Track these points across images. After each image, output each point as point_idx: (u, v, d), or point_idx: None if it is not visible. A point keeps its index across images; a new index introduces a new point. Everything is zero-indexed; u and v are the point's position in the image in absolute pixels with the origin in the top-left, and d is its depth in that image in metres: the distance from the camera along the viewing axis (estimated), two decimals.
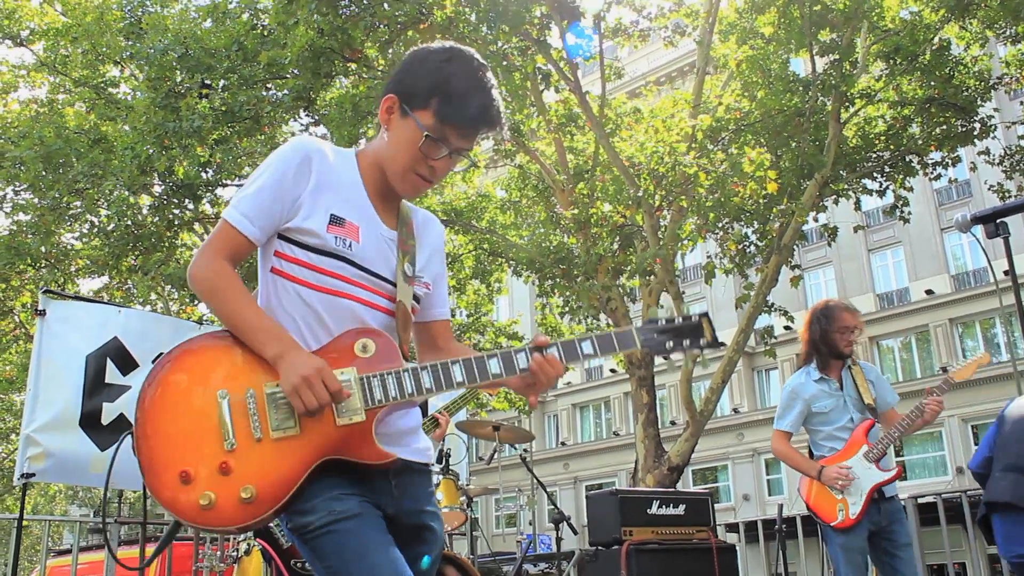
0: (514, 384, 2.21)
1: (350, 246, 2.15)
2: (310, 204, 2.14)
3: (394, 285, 2.23)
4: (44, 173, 14.61)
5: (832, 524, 4.76)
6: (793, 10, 13.42)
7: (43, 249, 15.70)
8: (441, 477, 5.43)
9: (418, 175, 2.21)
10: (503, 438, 6.01)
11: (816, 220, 15.96)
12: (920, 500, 8.51)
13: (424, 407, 7.32)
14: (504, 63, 14.60)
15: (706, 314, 2.36)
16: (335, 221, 2.15)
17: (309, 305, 2.13)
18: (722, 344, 2.48)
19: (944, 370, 24.81)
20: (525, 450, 30.54)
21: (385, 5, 13.63)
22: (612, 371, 32.91)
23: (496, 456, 6.21)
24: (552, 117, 15.49)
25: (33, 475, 5.92)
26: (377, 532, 2.05)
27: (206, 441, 1.94)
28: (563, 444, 35.88)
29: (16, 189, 16.16)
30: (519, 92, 15.28)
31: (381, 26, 13.92)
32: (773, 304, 14.79)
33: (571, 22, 12.90)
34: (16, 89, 17.42)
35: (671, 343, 2.29)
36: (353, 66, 14.43)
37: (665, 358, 2.33)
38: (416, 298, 2.31)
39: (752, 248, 15.01)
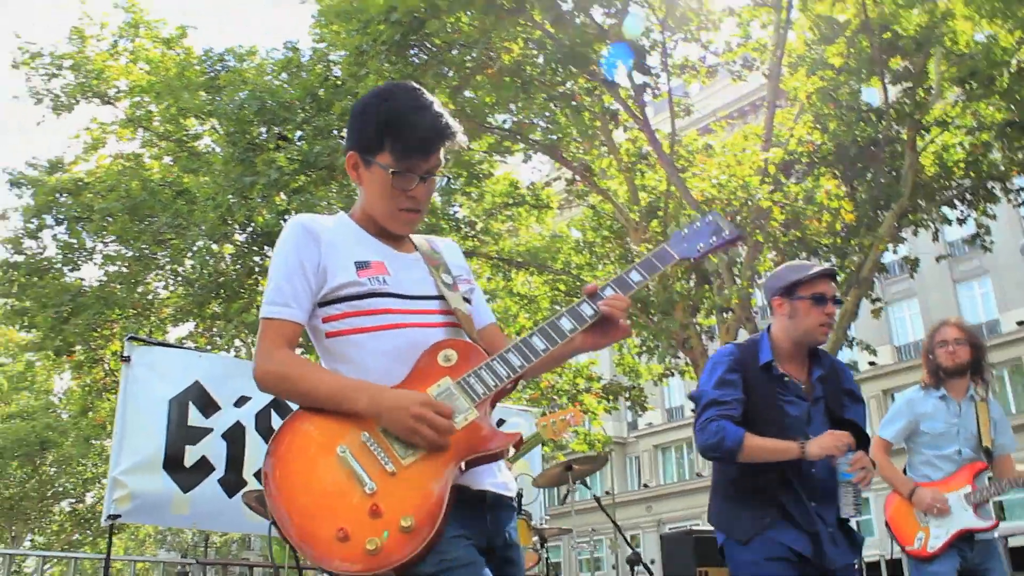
0: (589, 343, 2.32)
1: (384, 281, 2.23)
2: (333, 264, 2.22)
3: (442, 298, 2.31)
4: (130, 225, 15.14)
5: (906, 548, 4.62)
6: (862, 39, 13.28)
7: (131, 298, 16.22)
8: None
9: (403, 210, 2.29)
10: (578, 473, 5.97)
11: (896, 252, 15.62)
12: (1011, 543, 8.14)
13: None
14: (573, 103, 14.76)
15: (716, 211, 2.63)
16: (361, 266, 2.24)
17: (374, 349, 2.20)
18: (740, 231, 2.72)
19: None
20: (607, 492, 30.06)
21: (453, 52, 13.90)
22: (693, 411, 32.34)
23: (571, 497, 6.16)
24: (623, 155, 15.52)
25: (119, 516, 6.11)
26: None
27: (348, 496, 1.99)
28: (645, 486, 35.42)
29: (105, 241, 16.76)
30: (589, 132, 15.40)
31: (450, 73, 14.19)
32: (855, 339, 14.47)
33: (637, 59, 12.95)
34: (104, 145, 18.17)
35: (700, 244, 2.52)
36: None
37: (695, 258, 2.49)
38: (467, 300, 2.40)
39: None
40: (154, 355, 6.64)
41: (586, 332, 2.29)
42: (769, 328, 3.68)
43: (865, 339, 14.91)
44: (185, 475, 6.32)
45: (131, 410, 6.37)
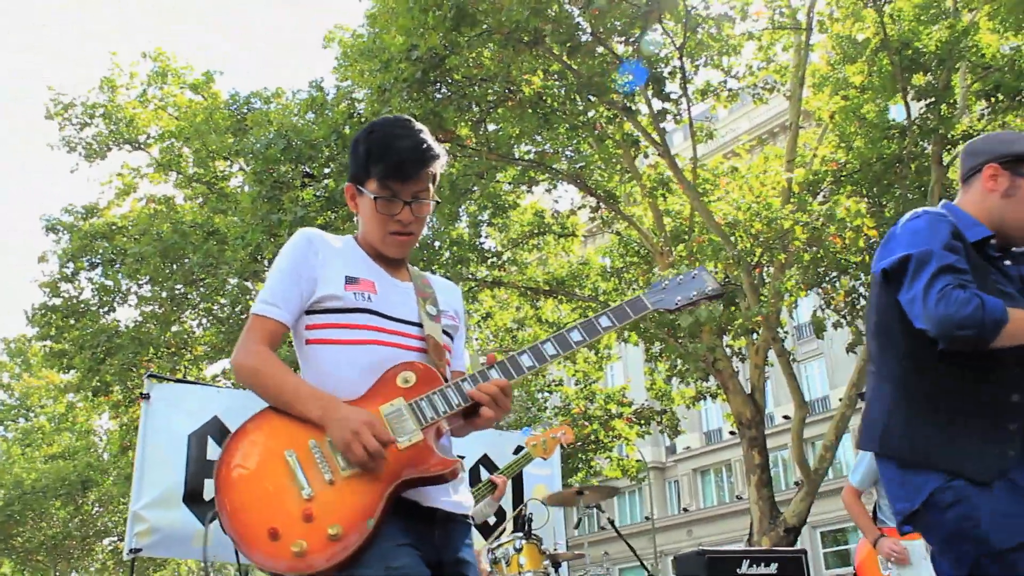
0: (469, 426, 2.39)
1: (369, 298, 2.32)
2: (324, 276, 2.32)
3: (420, 325, 2.39)
4: (163, 266, 15.41)
5: None
6: (882, 57, 13.25)
7: (165, 337, 16.48)
8: (523, 541, 5.43)
9: (392, 234, 2.38)
10: (588, 500, 5.97)
11: None
12: None
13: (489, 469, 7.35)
14: (595, 132, 14.84)
15: (704, 267, 2.53)
16: (350, 281, 2.34)
17: (347, 361, 2.28)
18: (725, 288, 2.62)
19: None
20: (647, 517, 29.70)
21: (475, 88, 14.05)
22: (731, 433, 32.05)
23: (583, 524, 6.15)
24: (645, 181, 15.56)
25: (140, 550, 6.19)
26: None
27: (285, 497, 2.07)
28: (685, 510, 35.06)
29: (139, 282, 17.06)
30: (611, 159, 15.48)
31: (472, 106, 14.34)
32: None
33: (656, 86, 13.02)
34: (136, 189, 18.58)
35: (679, 298, 2.46)
36: (447, 146, 14.86)
37: (674, 313, 2.37)
38: (448, 333, 2.47)
39: (862, 299, 14.63)
40: (173, 391, 6.75)
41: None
42: (952, 202, 2.76)
43: None
44: (205, 508, 6.37)
45: (151, 445, 6.46)
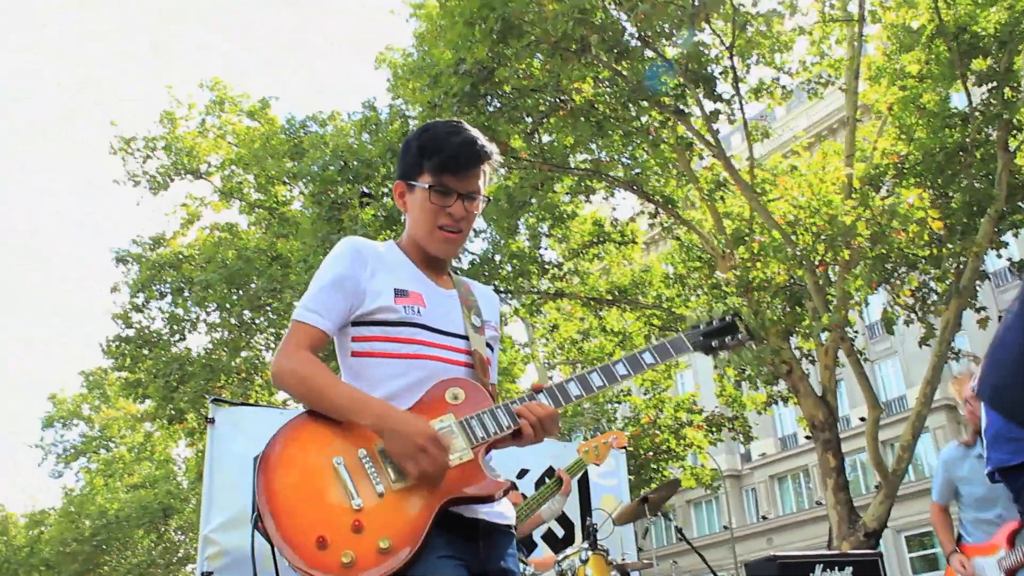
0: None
1: (419, 312, 2.32)
2: (374, 288, 2.31)
3: (466, 339, 2.38)
4: (229, 293, 15.67)
5: None
6: (939, 44, 12.94)
7: (236, 363, 16.75)
8: (590, 553, 5.37)
9: (440, 228, 2.38)
10: (653, 502, 5.88)
11: (1000, 256, 14.99)
12: None
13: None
14: (649, 137, 14.74)
15: (736, 313, 2.63)
16: (400, 294, 2.32)
17: (393, 375, 2.28)
18: (752, 338, 2.65)
19: None
20: (725, 526, 29.25)
21: (526, 99, 14.06)
22: (807, 438, 31.49)
23: (650, 531, 6.07)
24: (703, 184, 15.40)
25: (211, 573, 6.27)
26: None
27: (334, 506, 2.05)
28: (764, 518, 34.48)
29: (207, 310, 17.39)
30: (667, 164, 15.35)
31: (524, 117, 14.36)
32: (960, 351, 13.91)
33: (706, 87, 12.89)
34: (200, 218, 19.00)
35: (715, 342, 2.55)
36: (501, 159, 14.86)
37: (710, 354, 2.51)
38: (489, 345, 2.46)
39: (933, 295, 14.27)
40: (237, 415, 6.83)
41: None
42: None
43: (973, 351, 14.27)
44: None
45: (218, 469, 6.55)
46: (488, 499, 2.20)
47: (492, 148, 2.39)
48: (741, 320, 2.60)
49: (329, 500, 2.06)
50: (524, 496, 5.92)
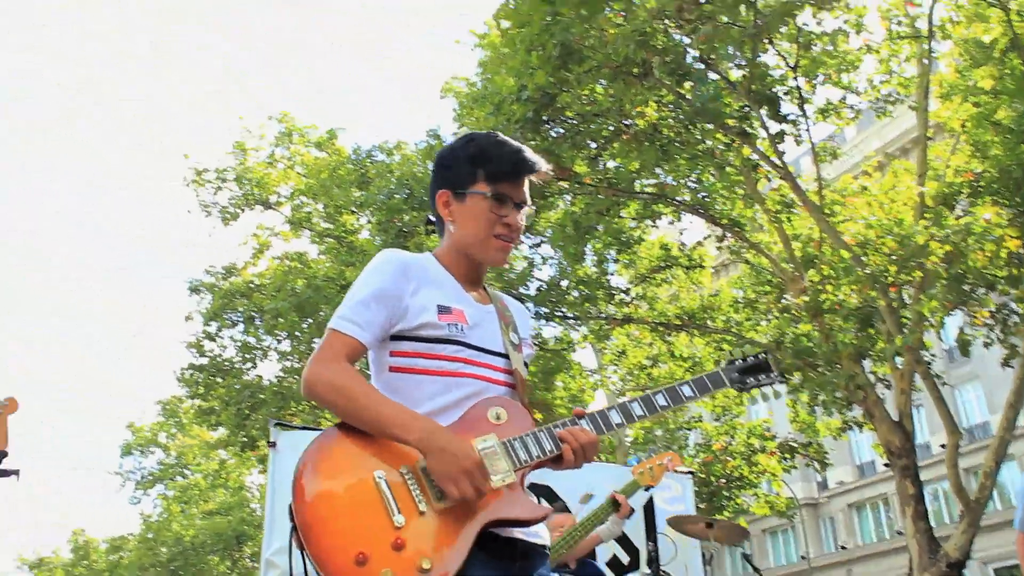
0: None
1: (462, 330, 2.29)
2: (418, 304, 2.27)
3: (506, 357, 2.36)
4: (298, 321, 15.89)
5: None
6: (1012, 57, 12.59)
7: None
8: None
9: (496, 237, 2.36)
10: (717, 537, 5.74)
11: None
12: None
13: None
14: (715, 160, 14.60)
15: (768, 352, 2.71)
16: (443, 311, 2.28)
17: (433, 392, 2.25)
18: (785, 377, 2.72)
19: None
20: (803, 556, 28.55)
21: (589, 124, 14.04)
22: (886, 465, 30.58)
23: (714, 560, 5.94)
24: (770, 205, 15.17)
25: None
26: None
27: (374, 523, 2.00)
28: (843, 548, 33.56)
29: (278, 338, 17.65)
30: (733, 187, 15.16)
31: (587, 143, 14.33)
32: None
33: (771, 108, 12.73)
34: (270, 247, 19.37)
35: (750, 379, 2.61)
36: (566, 184, 14.86)
37: (744, 391, 2.57)
38: (526, 364, 2.45)
39: (1014, 316, 13.79)
40: (298, 438, 6.86)
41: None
42: None
43: None
44: None
45: (279, 492, 6.60)
46: (529, 523, 2.17)
47: (539, 158, 2.41)
48: (775, 359, 2.67)
49: (369, 517, 2.00)
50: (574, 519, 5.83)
